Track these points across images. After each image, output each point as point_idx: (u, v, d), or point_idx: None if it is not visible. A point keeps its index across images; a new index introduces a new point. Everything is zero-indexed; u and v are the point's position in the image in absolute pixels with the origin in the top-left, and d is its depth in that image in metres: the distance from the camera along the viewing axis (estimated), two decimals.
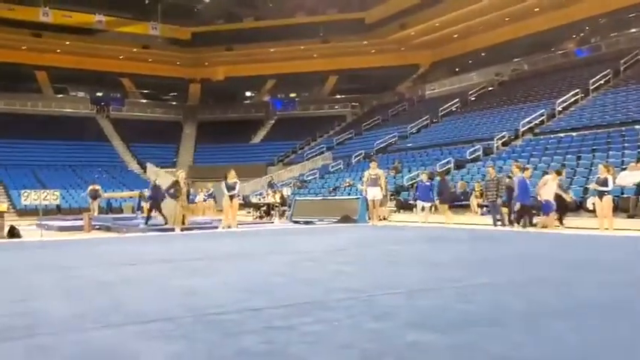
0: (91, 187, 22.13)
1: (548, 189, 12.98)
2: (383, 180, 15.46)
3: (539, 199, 13.13)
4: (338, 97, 46.65)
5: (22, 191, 14.75)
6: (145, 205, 17.98)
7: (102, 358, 2.72)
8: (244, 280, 5.27)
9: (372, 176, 15.11)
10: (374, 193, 15.11)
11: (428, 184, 16.18)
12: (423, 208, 15.94)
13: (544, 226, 12.81)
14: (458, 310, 3.73)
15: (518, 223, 13.43)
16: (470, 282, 4.94)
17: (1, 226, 12.64)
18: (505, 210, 14.44)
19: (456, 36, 41.09)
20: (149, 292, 4.74)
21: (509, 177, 15.05)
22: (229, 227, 14.12)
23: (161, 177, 31.70)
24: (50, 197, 13.88)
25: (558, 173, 13.88)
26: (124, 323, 3.49)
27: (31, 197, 13.78)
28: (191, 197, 20.89)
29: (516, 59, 36.12)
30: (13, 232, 12.93)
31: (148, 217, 14.93)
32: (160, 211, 14.63)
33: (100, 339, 3.13)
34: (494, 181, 14.29)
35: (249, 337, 3.09)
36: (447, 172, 22.52)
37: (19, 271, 6.46)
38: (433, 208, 16.30)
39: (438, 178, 17.75)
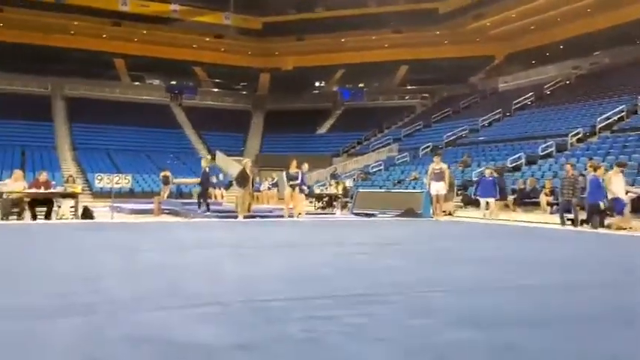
0: (162, 173, 22.93)
1: (616, 185, 12.38)
2: (447, 175, 15.17)
3: (609, 197, 12.56)
4: (408, 87, 46.12)
5: (97, 175, 15.49)
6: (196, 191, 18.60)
7: (153, 338, 2.86)
8: (295, 269, 5.38)
9: (436, 170, 14.88)
10: (437, 188, 14.89)
11: (490, 179, 15.78)
12: (486, 204, 15.57)
13: (618, 228, 12.24)
14: (502, 310, 3.68)
15: (588, 224, 12.94)
16: (519, 282, 4.85)
17: (75, 207, 13.32)
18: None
19: (533, 27, 39.72)
20: (204, 276, 4.91)
21: (583, 175, 14.53)
22: (290, 216, 14.32)
23: (230, 166, 32.55)
24: (122, 181, 14.50)
25: (621, 165, 13.12)
26: (177, 306, 3.64)
27: (104, 181, 14.45)
28: (256, 186, 21.31)
29: (596, 52, 34.52)
30: (87, 213, 13.61)
31: (200, 203, 15.36)
32: (205, 198, 15.13)
33: (152, 320, 3.30)
34: (571, 179, 13.79)
35: (291, 324, 3.17)
36: (518, 167, 21.96)
37: (89, 250, 6.82)
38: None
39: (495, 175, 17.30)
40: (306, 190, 16.43)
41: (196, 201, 16.53)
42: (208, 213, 14.69)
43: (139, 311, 3.52)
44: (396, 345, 2.82)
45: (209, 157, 15.88)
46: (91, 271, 5.02)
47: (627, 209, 12.43)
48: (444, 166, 15.59)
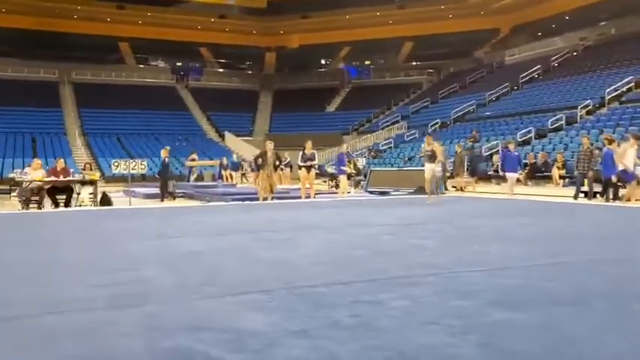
0: (191, 157, 23.17)
1: (629, 157, 12.39)
2: (440, 155, 14.31)
3: (620, 168, 12.53)
4: (414, 63, 45.89)
5: (113, 161, 15.65)
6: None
7: (210, 326, 2.99)
8: (327, 252, 5.49)
9: (427, 152, 14.17)
10: (432, 168, 14.08)
11: (516, 153, 15.23)
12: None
13: (628, 199, 12.32)
14: (541, 289, 3.79)
15: (603, 197, 13.02)
16: (551, 260, 4.95)
17: (94, 194, 13.48)
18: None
19: None
20: (239, 262, 5.04)
21: (599, 149, 14.55)
22: (307, 197, 14.44)
23: (239, 146, 32.57)
24: (138, 167, 14.65)
25: (637, 138, 13.07)
26: (221, 295, 3.77)
27: (120, 166, 14.60)
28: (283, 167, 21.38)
29: (603, 23, 34.20)
30: (105, 200, 13.78)
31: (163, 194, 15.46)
32: (165, 188, 15.45)
33: (204, 308, 3.43)
34: (587, 152, 13.80)
35: (339, 310, 3.29)
36: (528, 141, 21.97)
37: (117, 238, 6.97)
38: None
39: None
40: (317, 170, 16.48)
41: (210, 183, 16.68)
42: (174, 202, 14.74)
43: (187, 300, 3.64)
44: (443, 327, 2.94)
45: (168, 147, 15.61)
46: (127, 261, 5.15)
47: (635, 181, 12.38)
48: (437, 146, 14.91)
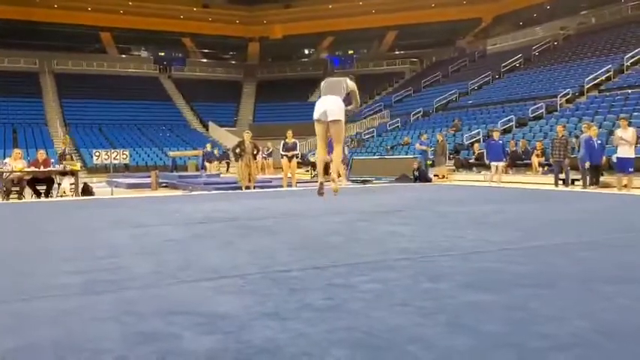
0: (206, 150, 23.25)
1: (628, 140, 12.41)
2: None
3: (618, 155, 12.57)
4: (397, 53, 45.99)
5: (94, 151, 15.57)
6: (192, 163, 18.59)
7: (184, 310, 3.04)
8: (305, 238, 5.56)
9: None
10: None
11: (500, 142, 15.59)
12: (496, 169, 15.29)
13: (623, 186, 12.36)
14: (511, 272, 3.88)
15: (587, 184, 13.23)
16: (524, 244, 5.05)
17: (75, 184, 13.41)
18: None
19: None
20: (216, 249, 5.08)
21: (577, 137, 14.76)
22: (289, 186, 14.49)
23: (223, 137, 32.48)
24: (120, 156, 14.58)
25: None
26: (198, 279, 3.82)
27: (102, 156, 14.52)
28: (263, 156, 21.44)
29: (583, 12, 34.55)
30: (87, 190, 13.73)
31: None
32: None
33: (179, 293, 3.47)
34: (562, 140, 14.00)
35: (313, 293, 3.35)
36: (509, 130, 22.16)
37: (97, 227, 6.96)
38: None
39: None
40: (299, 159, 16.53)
41: (196, 173, 16.66)
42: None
43: (162, 286, 3.68)
44: (413, 309, 3.01)
45: (68, 136, 14.53)
46: (105, 249, 5.17)
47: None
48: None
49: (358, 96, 6.61)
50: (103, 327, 2.76)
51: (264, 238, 5.69)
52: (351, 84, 6.31)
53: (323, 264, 4.25)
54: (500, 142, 15.65)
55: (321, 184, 6.13)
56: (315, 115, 6.10)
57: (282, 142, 14.85)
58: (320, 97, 6.26)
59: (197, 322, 2.81)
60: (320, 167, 6.36)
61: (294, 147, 14.59)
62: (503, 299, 3.19)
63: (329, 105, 6.03)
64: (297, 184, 14.88)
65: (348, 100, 6.33)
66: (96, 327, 2.77)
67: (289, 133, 14.78)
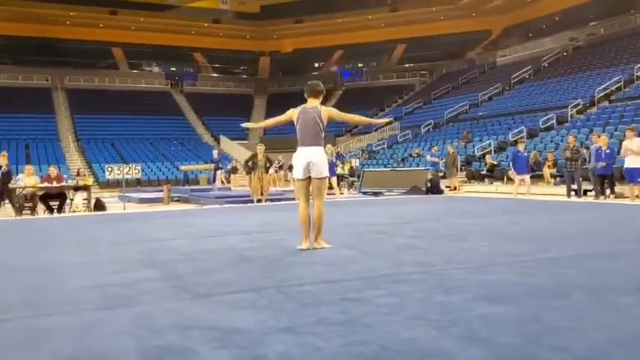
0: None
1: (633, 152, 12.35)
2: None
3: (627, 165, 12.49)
4: (406, 65, 46.10)
5: (107, 166, 15.66)
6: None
7: (199, 325, 3.05)
8: (316, 252, 5.56)
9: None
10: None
11: (525, 154, 15.02)
12: (522, 181, 14.68)
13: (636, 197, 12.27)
14: (525, 284, 3.86)
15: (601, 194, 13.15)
16: (537, 256, 5.03)
17: (88, 200, 13.53)
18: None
19: (528, 0, 39.60)
20: (230, 263, 5.09)
21: (587, 148, 14.69)
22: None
23: (235, 150, 32.63)
24: (132, 171, 14.68)
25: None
26: (213, 294, 3.84)
27: (114, 171, 14.63)
28: (275, 169, 21.51)
29: (592, 23, 34.50)
30: (99, 205, 13.83)
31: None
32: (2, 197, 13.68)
33: (194, 308, 3.49)
34: (574, 150, 13.94)
35: (327, 307, 3.36)
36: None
37: (111, 243, 7.01)
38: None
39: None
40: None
41: (207, 187, 16.72)
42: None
43: (177, 300, 3.70)
44: (427, 322, 3.01)
45: (6, 153, 13.53)
46: (119, 263, 5.21)
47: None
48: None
49: (349, 115, 6.03)
50: (120, 342, 2.79)
51: (276, 251, 5.71)
52: (327, 113, 5.59)
53: (336, 278, 4.25)
54: (526, 154, 15.17)
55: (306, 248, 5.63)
56: (298, 174, 5.59)
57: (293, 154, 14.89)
58: (298, 146, 5.60)
59: (212, 336, 2.83)
60: (304, 226, 5.67)
61: None
62: (517, 311, 3.18)
63: (312, 162, 5.48)
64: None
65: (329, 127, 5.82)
66: (113, 342, 2.79)
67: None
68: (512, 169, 15.03)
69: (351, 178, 20.69)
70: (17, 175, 14.91)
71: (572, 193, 13.85)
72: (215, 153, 19.78)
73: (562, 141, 19.68)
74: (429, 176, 16.95)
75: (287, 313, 3.26)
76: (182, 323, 3.09)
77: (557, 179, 16.76)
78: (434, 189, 16.57)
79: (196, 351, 2.61)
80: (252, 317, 3.17)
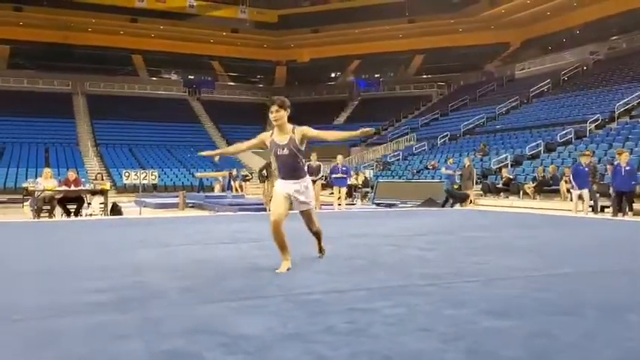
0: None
1: None
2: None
3: None
4: (424, 76, 46.07)
5: (124, 171, 15.86)
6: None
7: (207, 330, 3.09)
8: (326, 261, 5.57)
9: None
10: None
11: (587, 168, 14.14)
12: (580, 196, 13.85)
13: None
14: (534, 299, 3.84)
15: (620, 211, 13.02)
16: (549, 271, 5.01)
17: (104, 204, 13.67)
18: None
19: (548, 13, 39.46)
20: (242, 270, 5.12)
21: (612, 164, 14.54)
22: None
23: (250, 158, 32.77)
24: (149, 177, 14.83)
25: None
26: (222, 299, 3.87)
27: (131, 177, 14.79)
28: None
29: (614, 37, 34.25)
30: (116, 209, 13.97)
31: None
32: None
33: (203, 313, 3.52)
34: (590, 166, 13.79)
35: (334, 316, 3.37)
36: (537, 155, 21.95)
37: (126, 247, 7.09)
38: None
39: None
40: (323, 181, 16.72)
41: (222, 193, 16.83)
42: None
43: (187, 305, 3.74)
44: (435, 334, 3.01)
45: None
46: (132, 267, 5.26)
47: None
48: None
49: (326, 132, 5.35)
50: (129, 345, 2.82)
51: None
52: (301, 135, 4.97)
53: (345, 287, 4.26)
54: (587, 168, 14.13)
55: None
56: (279, 192, 5.15)
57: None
58: (279, 178, 5.18)
59: (220, 342, 2.85)
60: (281, 245, 5.14)
61: (318, 170, 14.66)
62: (526, 326, 3.17)
63: (296, 196, 5.09)
64: (322, 207, 14.92)
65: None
66: (121, 344, 2.83)
67: (313, 155, 14.87)
68: (573, 184, 14.17)
69: (364, 189, 20.66)
70: (36, 178, 15.13)
71: (589, 209, 13.72)
72: (234, 171, 19.98)
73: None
74: (452, 186, 16.94)
75: (295, 320, 3.29)
76: (191, 328, 3.12)
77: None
78: (456, 196, 16.49)
79: (203, 356, 2.64)
80: (260, 324, 3.20)
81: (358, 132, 4.97)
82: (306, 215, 5.31)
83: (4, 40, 41.27)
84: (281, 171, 5.12)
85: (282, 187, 5.12)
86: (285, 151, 4.97)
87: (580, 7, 37.22)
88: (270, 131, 5.19)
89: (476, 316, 3.39)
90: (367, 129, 5.08)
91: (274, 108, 4.92)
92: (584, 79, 31.32)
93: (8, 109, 34.87)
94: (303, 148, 5.02)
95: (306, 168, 5.21)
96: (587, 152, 15.59)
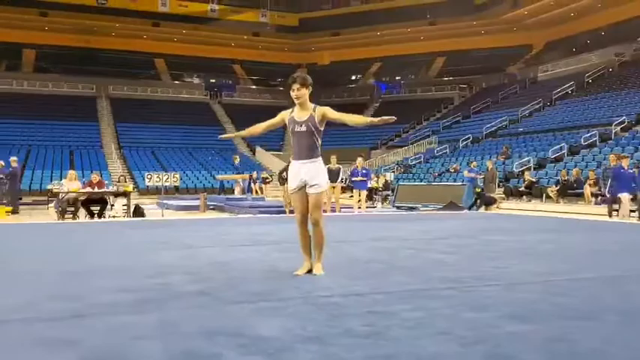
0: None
1: None
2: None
3: None
4: (445, 79, 45.80)
5: (146, 173, 16.02)
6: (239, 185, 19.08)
7: (227, 331, 3.11)
8: (348, 265, 5.57)
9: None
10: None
11: (631, 171, 13.37)
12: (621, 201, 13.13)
13: None
14: (555, 304, 3.80)
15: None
16: (570, 276, 4.94)
17: (127, 206, 13.83)
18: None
19: (573, 14, 38.94)
20: (260, 271, 5.15)
21: (638, 167, 14.34)
22: (332, 211, 14.53)
23: (270, 161, 32.88)
24: (171, 179, 14.96)
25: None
26: (242, 301, 3.89)
27: (154, 179, 14.94)
28: None
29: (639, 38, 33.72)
30: (138, 211, 14.13)
31: None
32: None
33: (223, 314, 3.55)
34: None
35: (353, 319, 3.37)
36: (560, 158, 21.70)
37: (147, 248, 7.17)
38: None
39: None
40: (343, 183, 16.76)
41: (242, 196, 16.93)
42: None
43: (207, 306, 3.77)
44: (454, 338, 3.00)
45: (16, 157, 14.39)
46: (154, 268, 5.31)
47: None
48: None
49: (346, 115, 5.13)
50: (148, 345, 2.85)
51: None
52: (321, 114, 4.97)
53: (364, 291, 4.26)
54: (631, 170, 13.41)
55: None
56: (292, 186, 5.00)
57: (327, 167, 14.94)
58: (292, 159, 5.08)
59: (239, 343, 2.87)
60: (303, 243, 5.03)
61: (338, 172, 14.64)
62: (545, 330, 3.14)
63: (307, 178, 4.86)
64: (341, 210, 14.91)
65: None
66: (141, 345, 2.86)
67: (333, 158, 14.86)
68: (608, 187, 13.80)
69: (384, 192, 20.60)
70: (61, 180, 15.38)
71: (615, 213, 13.51)
72: (236, 159, 19.92)
73: (604, 159, 19.24)
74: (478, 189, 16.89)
75: (314, 323, 3.29)
76: (210, 329, 3.14)
77: (599, 198, 16.38)
78: (484, 199, 16.40)
79: (222, 356, 2.66)
80: (279, 326, 3.21)
81: (377, 119, 4.84)
82: (313, 199, 4.87)
83: (30, 45, 42.05)
84: (295, 149, 5.00)
85: (295, 174, 4.96)
86: (303, 128, 4.92)
87: (605, 8, 36.69)
88: (291, 109, 5.15)
89: (495, 320, 3.37)
90: (388, 117, 4.94)
91: (296, 86, 4.86)
92: (609, 80, 30.87)
93: (34, 113, 35.46)
94: (322, 129, 4.95)
95: (319, 150, 5.03)
96: (625, 155, 14.86)
